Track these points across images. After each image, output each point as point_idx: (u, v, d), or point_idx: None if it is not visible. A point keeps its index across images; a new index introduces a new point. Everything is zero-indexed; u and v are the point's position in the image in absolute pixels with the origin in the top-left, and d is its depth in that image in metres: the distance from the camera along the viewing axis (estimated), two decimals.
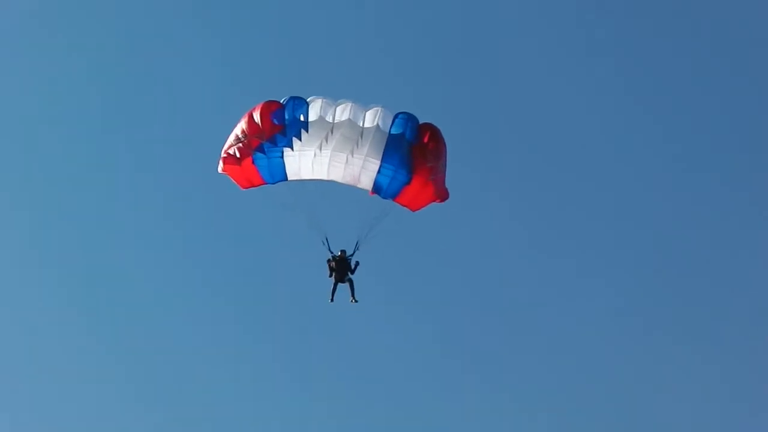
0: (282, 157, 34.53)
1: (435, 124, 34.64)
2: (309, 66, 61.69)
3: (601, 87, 63.67)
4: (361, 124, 34.38)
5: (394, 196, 34.49)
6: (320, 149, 34.24)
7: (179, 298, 57.38)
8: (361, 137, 34.16)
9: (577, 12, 64.48)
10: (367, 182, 34.47)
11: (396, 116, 34.43)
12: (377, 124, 34.29)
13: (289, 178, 34.90)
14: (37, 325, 55.29)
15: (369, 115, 34.45)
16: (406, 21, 64.18)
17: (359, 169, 34.24)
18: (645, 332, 54.71)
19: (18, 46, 63.05)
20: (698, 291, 56.70)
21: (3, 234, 59.27)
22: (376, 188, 34.42)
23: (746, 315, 54.91)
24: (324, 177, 34.59)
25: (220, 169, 35.16)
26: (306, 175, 34.69)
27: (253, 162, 34.61)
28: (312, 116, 34.40)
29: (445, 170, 34.78)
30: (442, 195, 34.85)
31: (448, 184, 35.07)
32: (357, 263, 35.84)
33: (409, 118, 34.36)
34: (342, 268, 35.74)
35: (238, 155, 34.52)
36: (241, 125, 34.63)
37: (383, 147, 34.11)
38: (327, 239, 35.53)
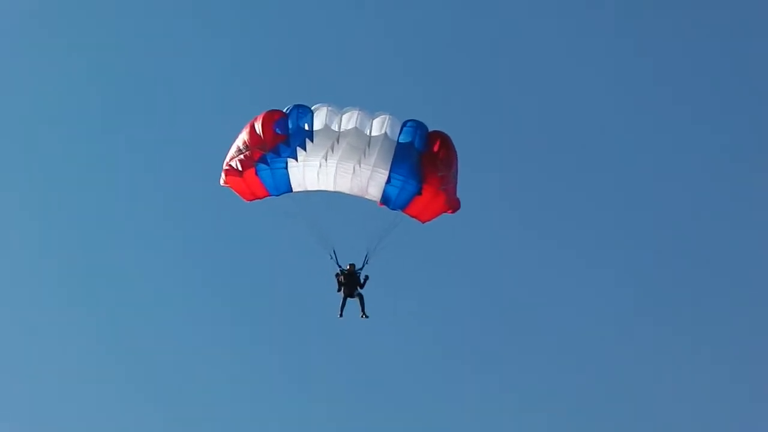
0: (286, 168, 33.29)
1: (445, 131, 33.46)
2: (314, 68, 61.35)
3: (603, 87, 63.69)
4: (368, 133, 33.09)
5: (403, 207, 33.24)
6: (326, 159, 32.95)
7: (180, 298, 57.38)
8: (369, 146, 32.86)
9: (587, 11, 64.15)
10: (375, 193, 33.15)
11: (404, 124, 33.16)
12: (385, 133, 33.03)
13: (294, 189, 33.68)
14: (37, 325, 55.42)
15: (376, 123, 33.18)
16: (413, 26, 64.11)
17: (367, 179, 32.97)
18: (652, 333, 54.76)
19: (18, 46, 63.24)
20: (702, 291, 56.82)
21: (3, 234, 59.30)
22: (385, 199, 33.14)
23: (753, 314, 55.03)
24: (330, 188, 33.34)
25: (222, 181, 33.89)
26: (311, 186, 33.46)
27: (256, 173, 33.33)
28: (317, 125, 33.15)
29: (456, 180, 33.47)
30: (454, 205, 33.54)
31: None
32: (366, 277, 34.58)
33: (418, 126, 33.10)
34: (351, 282, 34.50)
35: (240, 168, 33.28)
36: (243, 136, 33.33)
37: (392, 156, 32.81)
38: (335, 252, 34.32)
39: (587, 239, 57.89)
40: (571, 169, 60.01)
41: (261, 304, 55.02)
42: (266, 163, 33.21)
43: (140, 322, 55.33)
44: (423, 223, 33.78)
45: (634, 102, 62.51)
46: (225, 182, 33.93)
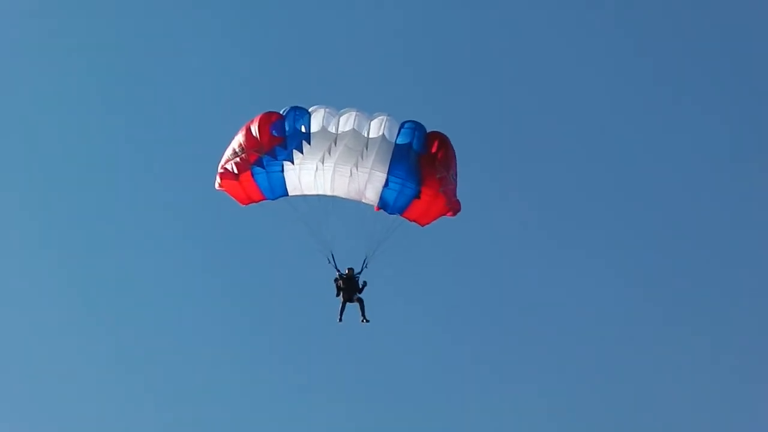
0: (282, 171, 32.46)
1: (443, 132, 32.58)
2: (313, 69, 60.38)
3: (605, 85, 63.10)
4: (365, 134, 32.22)
5: (401, 211, 32.42)
6: (323, 162, 32.12)
7: (181, 300, 56.76)
8: (366, 148, 32.03)
9: (588, 10, 63.71)
10: (372, 196, 32.36)
11: (402, 125, 32.30)
12: (383, 134, 32.18)
13: (291, 193, 32.83)
14: (38, 326, 55.11)
15: (374, 124, 32.31)
16: (411, 26, 63.49)
17: (364, 182, 32.15)
18: (661, 332, 54.46)
19: (18, 46, 62.74)
20: (706, 291, 56.37)
21: (4, 234, 58.81)
22: (383, 203, 32.33)
23: (757, 314, 54.48)
24: (327, 192, 32.50)
25: (216, 185, 33.01)
26: (308, 190, 32.60)
27: (252, 177, 32.50)
28: (314, 127, 32.27)
29: (455, 181, 32.56)
30: (454, 207, 32.61)
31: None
32: (365, 283, 33.67)
33: (416, 127, 32.23)
34: (350, 287, 33.53)
35: (235, 171, 32.39)
36: (239, 138, 32.46)
37: (389, 158, 31.97)
38: (333, 256, 33.40)
39: (590, 239, 57.75)
40: (573, 168, 59.94)
41: (261, 308, 54.83)
42: (262, 166, 32.34)
43: (141, 322, 55.06)
44: (422, 226, 32.94)
45: (636, 101, 62.32)
46: (220, 186, 33.08)
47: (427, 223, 32.90)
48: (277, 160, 32.22)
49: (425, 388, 52.05)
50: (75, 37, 62.41)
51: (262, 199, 33.02)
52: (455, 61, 62.42)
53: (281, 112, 32.35)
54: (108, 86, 61.89)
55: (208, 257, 56.95)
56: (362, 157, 32.06)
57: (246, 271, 56.60)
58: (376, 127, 32.33)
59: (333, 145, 32.18)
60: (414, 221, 32.77)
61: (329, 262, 33.42)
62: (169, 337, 54.53)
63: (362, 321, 34.09)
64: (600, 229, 57.94)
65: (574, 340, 53.63)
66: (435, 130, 32.51)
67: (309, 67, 60.00)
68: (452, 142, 32.59)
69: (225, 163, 32.69)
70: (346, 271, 33.66)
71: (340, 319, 33.98)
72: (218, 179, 32.93)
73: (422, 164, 32.12)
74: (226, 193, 33.15)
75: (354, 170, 32.13)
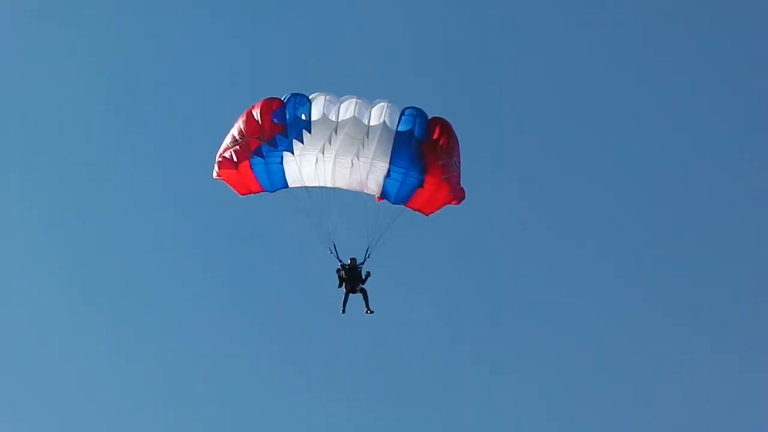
0: (281, 163, 31.60)
1: (445, 118, 31.77)
2: (311, 62, 60.74)
3: (606, 86, 62.82)
4: (366, 122, 31.41)
5: (405, 201, 31.58)
6: (323, 153, 31.30)
7: (182, 296, 56.44)
8: (367, 136, 31.22)
9: (589, 10, 63.45)
10: (374, 187, 31.55)
11: (403, 112, 31.47)
12: (384, 121, 31.35)
13: (291, 185, 31.99)
14: (39, 325, 54.92)
15: (375, 111, 31.50)
16: (412, 18, 63.18)
17: (366, 173, 31.34)
18: (665, 331, 54.32)
19: (18, 46, 62.44)
20: (706, 291, 56.12)
21: (4, 234, 58.50)
22: (385, 193, 31.51)
23: (757, 315, 54.25)
24: (328, 184, 31.69)
25: (215, 174, 32.15)
26: (309, 181, 31.77)
27: (251, 168, 31.66)
28: (315, 115, 31.43)
29: (459, 168, 31.67)
30: (458, 195, 31.76)
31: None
32: (368, 273, 32.82)
33: (417, 114, 31.39)
34: (353, 277, 32.67)
35: (235, 158, 31.46)
36: (239, 125, 31.54)
37: (391, 146, 31.16)
38: (335, 247, 32.56)
39: (591, 238, 57.47)
40: (573, 168, 59.66)
41: (261, 305, 54.64)
42: (262, 156, 31.48)
43: (141, 321, 54.88)
44: (426, 215, 32.16)
45: (637, 101, 62.09)
46: (218, 174, 32.17)
47: (432, 212, 32.11)
48: (277, 150, 31.38)
49: (425, 388, 51.84)
50: (75, 37, 62.43)
51: (261, 191, 32.24)
52: (458, 55, 62.42)
53: (282, 99, 31.50)
54: (108, 86, 61.82)
55: (207, 254, 56.92)
56: (363, 146, 31.28)
57: (246, 268, 56.44)
58: (377, 115, 31.54)
59: (333, 134, 31.40)
60: (418, 210, 31.98)
61: (331, 253, 32.63)
62: (169, 336, 54.35)
63: (366, 312, 33.24)
64: (600, 229, 57.86)
65: (574, 340, 53.54)
66: (436, 116, 31.73)
67: (309, 62, 60.29)
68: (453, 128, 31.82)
69: (224, 151, 31.82)
70: (349, 262, 32.83)
71: (343, 311, 33.12)
72: (216, 168, 32.05)
73: (424, 151, 31.33)
74: (224, 182, 32.31)
75: (355, 160, 31.33)
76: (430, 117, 31.62)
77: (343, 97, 31.77)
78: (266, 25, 63.32)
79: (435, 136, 31.40)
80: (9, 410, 51.41)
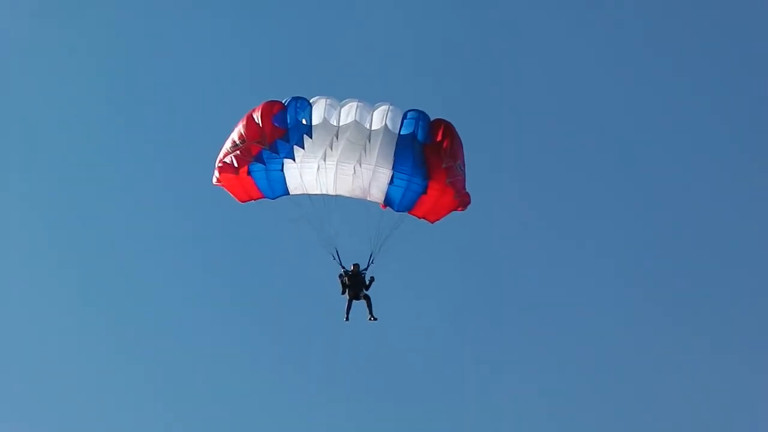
0: (282, 170, 30.78)
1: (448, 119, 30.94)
2: (313, 59, 60.49)
3: (607, 86, 62.61)
4: (368, 126, 30.54)
5: (409, 209, 30.73)
6: (324, 159, 30.42)
7: (185, 299, 56.15)
8: (369, 141, 30.34)
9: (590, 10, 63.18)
10: (378, 195, 30.67)
11: (405, 114, 30.60)
12: (386, 125, 30.45)
13: (292, 192, 31.14)
14: (38, 326, 54.70)
15: (377, 115, 30.62)
16: (411, 12, 62.84)
17: (369, 180, 30.48)
18: (660, 333, 53.98)
19: (18, 46, 62.32)
20: (706, 291, 55.87)
21: (4, 234, 58.27)
22: (389, 201, 30.65)
23: (757, 314, 53.98)
24: (330, 191, 30.78)
25: (214, 180, 31.31)
26: (311, 189, 30.92)
27: (249, 174, 30.83)
28: (315, 119, 30.57)
29: (464, 172, 30.78)
30: (464, 201, 30.87)
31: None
32: (372, 278, 31.98)
33: (419, 116, 30.51)
34: (356, 283, 31.80)
35: (236, 164, 30.59)
36: (239, 129, 30.67)
37: (393, 152, 30.27)
38: (337, 252, 31.69)
39: (591, 238, 57.16)
40: (574, 168, 59.40)
41: (262, 307, 54.36)
42: (262, 162, 30.65)
43: (141, 322, 54.59)
44: (432, 223, 31.31)
45: (637, 101, 61.82)
46: (218, 180, 31.34)
47: (437, 220, 31.27)
48: (278, 156, 30.58)
49: (426, 388, 51.54)
50: (75, 37, 62.25)
51: (261, 197, 31.43)
52: (458, 55, 62.17)
53: (283, 102, 30.71)
54: (108, 86, 61.59)
55: (207, 254, 56.57)
56: (365, 152, 30.42)
57: (246, 268, 56.08)
58: (379, 118, 30.69)
59: (335, 139, 30.55)
60: (423, 218, 31.14)
61: (334, 259, 31.78)
62: (169, 336, 54.05)
63: (370, 319, 32.41)
64: (600, 229, 57.57)
65: (574, 340, 53.27)
66: (439, 117, 30.91)
67: (309, 62, 59.93)
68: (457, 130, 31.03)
69: (224, 156, 30.99)
70: (352, 268, 32.01)
71: (347, 318, 32.32)
72: (216, 173, 31.25)
73: (427, 155, 30.45)
74: (223, 189, 31.53)
75: (357, 167, 30.50)
76: (432, 119, 30.79)
77: (344, 101, 30.95)
78: (266, 25, 63.26)
79: (438, 139, 30.55)
80: (9, 410, 51.32)
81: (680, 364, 52.31)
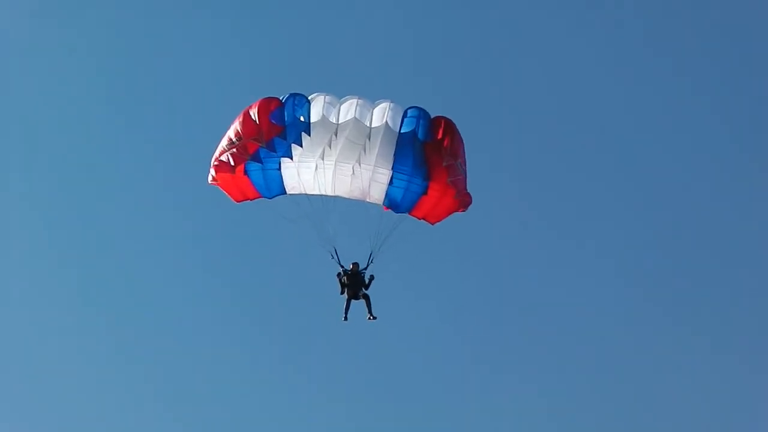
0: (279, 169, 30.00)
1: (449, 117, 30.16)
2: (313, 59, 60.19)
3: (607, 86, 62.35)
4: (368, 124, 29.72)
5: (409, 210, 29.97)
6: (323, 159, 29.62)
7: (184, 299, 55.89)
8: (369, 139, 29.52)
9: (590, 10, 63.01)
10: (377, 196, 29.92)
11: (405, 112, 29.80)
12: (386, 123, 29.62)
13: (289, 192, 30.37)
14: (38, 326, 54.45)
15: (377, 112, 29.80)
16: (411, 12, 62.62)
17: (368, 180, 29.72)
18: (660, 333, 53.68)
19: (18, 46, 62.12)
20: (706, 291, 55.63)
21: (4, 234, 58.08)
22: (389, 202, 29.94)
23: (757, 314, 53.71)
24: (329, 192, 30.00)
25: (210, 179, 30.51)
26: (309, 189, 30.15)
27: (245, 173, 30.07)
28: (314, 116, 29.72)
29: (465, 171, 30.00)
30: (465, 201, 30.08)
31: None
32: (372, 277, 31.23)
33: (420, 114, 29.72)
34: (355, 283, 31.06)
35: (232, 162, 29.73)
36: (236, 126, 29.81)
37: (393, 150, 29.48)
38: (336, 251, 30.97)
39: (591, 238, 56.86)
40: (574, 168, 59.12)
41: (262, 306, 54.05)
42: (259, 161, 29.85)
43: (141, 322, 54.33)
44: (432, 224, 30.57)
45: (637, 101, 61.54)
46: (214, 179, 30.52)
47: (437, 222, 30.54)
48: (275, 154, 29.80)
49: (426, 388, 51.24)
50: (75, 37, 62.00)
51: (258, 197, 30.68)
52: (458, 55, 61.80)
53: (281, 99, 29.90)
54: (108, 86, 61.32)
55: (207, 254, 56.22)
56: (365, 151, 29.62)
57: (246, 268, 55.72)
58: (379, 116, 29.87)
59: (333, 137, 29.74)
60: (423, 219, 30.39)
61: (332, 258, 31.06)
62: (169, 336, 53.74)
63: (369, 318, 31.67)
64: (600, 229, 57.28)
65: (574, 340, 52.99)
66: (440, 115, 30.18)
67: (309, 62, 59.58)
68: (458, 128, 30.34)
69: (220, 155, 30.14)
70: (351, 267, 31.27)
71: (346, 318, 31.59)
72: (212, 172, 30.42)
73: (428, 153, 29.68)
74: (218, 188, 30.77)
75: (357, 167, 29.72)
76: (433, 116, 30.02)
77: (343, 98, 30.17)
78: (266, 25, 62.96)
79: (439, 137, 29.77)
80: (9, 410, 51.04)
81: (680, 364, 52.14)
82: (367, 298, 31.65)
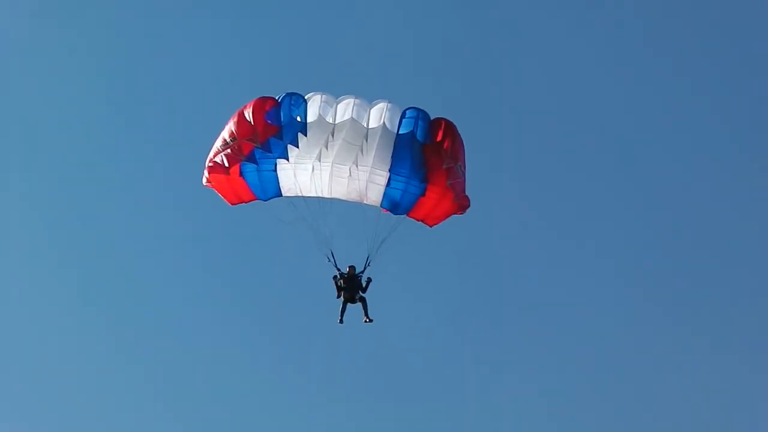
0: (275, 170, 29.28)
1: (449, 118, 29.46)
2: (312, 59, 59.99)
3: (607, 86, 62.23)
4: (365, 124, 29.00)
5: (407, 211, 29.31)
6: (319, 160, 28.89)
7: (182, 298, 55.76)
8: (366, 140, 28.79)
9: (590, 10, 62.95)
10: (375, 197, 29.22)
11: (404, 113, 29.08)
12: (383, 123, 28.89)
13: (285, 194, 29.65)
14: (38, 326, 54.29)
15: (374, 112, 29.07)
16: (411, 12, 62.41)
17: (365, 182, 29.02)
18: (660, 333, 53.57)
19: (18, 46, 62.04)
20: (706, 291, 55.54)
21: (4, 234, 57.95)
22: (386, 204, 29.29)
23: (757, 314, 53.60)
24: (325, 194, 29.31)
25: (204, 181, 29.85)
26: (305, 191, 29.40)
27: (240, 174, 29.36)
28: (310, 116, 28.97)
29: (464, 174, 29.36)
30: (463, 204, 29.47)
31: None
32: (369, 280, 30.57)
33: (419, 115, 28.99)
34: (352, 286, 30.43)
35: (226, 163, 29.05)
36: (230, 127, 29.09)
37: (391, 151, 28.76)
38: (332, 254, 30.30)
39: (591, 238, 56.71)
40: (574, 168, 58.97)
41: (261, 307, 53.82)
42: (254, 162, 29.13)
43: (141, 322, 54.17)
44: (430, 227, 29.93)
45: (637, 101, 61.39)
46: (208, 181, 29.86)
47: (435, 224, 29.91)
48: (271, 155, 29.09)
49: (425, 388, 51.07)
50: (75, 37, 61.88)
51: (253, 199, 29.99)
52: (458, 55, 61.53)
53: (277, 99, 29.23)
54: (108, 86, 61.19)
55: (207, 254, 55.94)
56: (362, 153, 28.90)
57: (246, 268, 55.43)
58: (377, 116, 29.15)
59: (330, 137, 28.99)
60: (421, 221, 29.72)
61: (329, 261, 30.42)
62: (169, 336, 53.57)
63: (365, 321, 31.01)
64: (600, 229, 57.11)
65: (574, 340, 52.85)
66: (440, 116, 29.50)
67: (309, 62, 59.34)
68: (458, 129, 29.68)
69: (214, 156, 29.45)
70: (347, 270, 30.63)
71: (341, 321, 30.93)
72: (206, 173, 29.76)
73: (427, 155, 28.96)
74: (213, 190, 30.11)
75: (354, 169, 29.05)
76: (433, 118, 29.34)
77: (340, 98, 29.44)
78: (266, 25, 62.72)
79: (439, 138, 29.09)
80: (9, 410, 50.83)
81: (680, 364, 51.98)
82: (363, 300, 31.00)
